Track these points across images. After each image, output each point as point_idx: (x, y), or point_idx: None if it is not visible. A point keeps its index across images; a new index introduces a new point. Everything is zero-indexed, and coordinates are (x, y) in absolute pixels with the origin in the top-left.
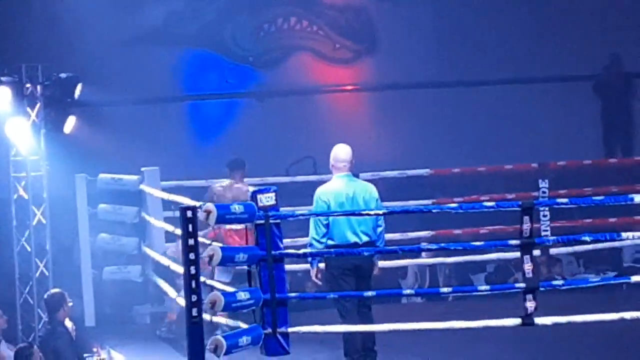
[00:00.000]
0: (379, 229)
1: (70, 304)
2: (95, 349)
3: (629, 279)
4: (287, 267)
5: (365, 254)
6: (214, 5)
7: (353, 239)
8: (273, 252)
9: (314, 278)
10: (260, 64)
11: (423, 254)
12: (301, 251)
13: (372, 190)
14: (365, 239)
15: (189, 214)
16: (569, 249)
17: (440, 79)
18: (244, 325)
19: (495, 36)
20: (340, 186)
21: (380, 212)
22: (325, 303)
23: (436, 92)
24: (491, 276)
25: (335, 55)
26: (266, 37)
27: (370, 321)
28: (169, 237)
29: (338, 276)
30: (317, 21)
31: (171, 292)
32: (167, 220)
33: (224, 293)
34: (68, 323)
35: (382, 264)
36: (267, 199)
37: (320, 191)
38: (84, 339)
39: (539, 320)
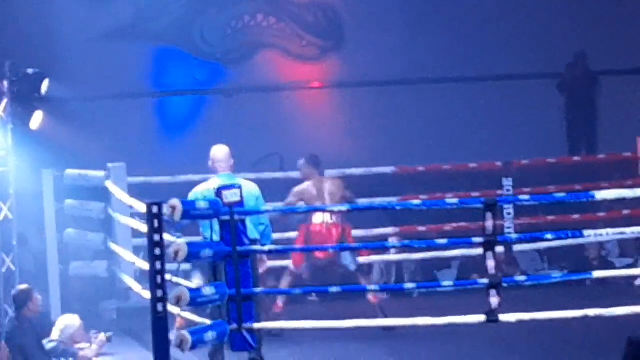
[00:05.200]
0: (261, 227)
1: (39, 297)
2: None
3: (591, 274)
4: None
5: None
6: (182, 2)
7: None
8: (238, 248)
9: None
10: (228, 60)
11: (391, 250)
12: (266, 247)
13: (252, 189)
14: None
15: (155, 209)
16: (533, 246)
17: (406, 76)
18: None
19: (461, 34)
20: (216, 184)
21: (344, 207)
22: (293, 299)
23: (403, 89)
24: (459, 272)
25: (303, 52)
26: (233, 33)
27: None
28: (136, 233)
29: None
30: (284, 18)
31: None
32: (133, 215)
33: (189, 289)
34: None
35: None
36: (232, 195)
37: (196, 189)
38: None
39: (503, 317)
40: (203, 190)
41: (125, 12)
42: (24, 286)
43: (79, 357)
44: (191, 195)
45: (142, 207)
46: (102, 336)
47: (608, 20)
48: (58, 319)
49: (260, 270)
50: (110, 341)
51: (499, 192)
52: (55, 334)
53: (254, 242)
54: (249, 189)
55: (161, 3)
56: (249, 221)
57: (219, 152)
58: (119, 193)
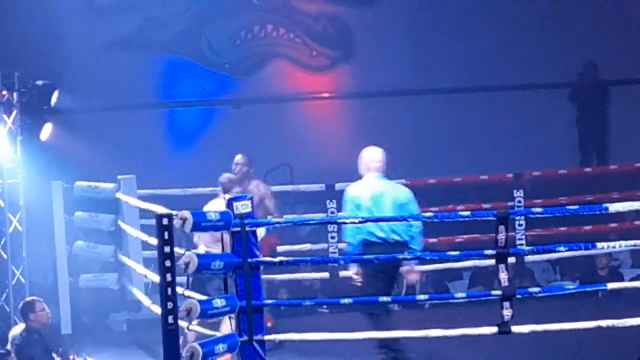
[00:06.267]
0: (412, 229)
1: (46, 309)
2: (71, 357)
3: (605, 286)
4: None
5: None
6: (190, 12)
7: (380, 234)
8: (249, 260)
9: (354, 276)
10: (237, 71)
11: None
12: (277, 259)
13: (400, 195)
14: (394, 237)
15: (165, 221)
16: (545, 257)
17: (416, 87)
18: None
19: (471, 44)
20: (370, 184)
21: (356, 220)
22: (300, 310)
23: (412, 99)
24: (473, 280)
25: (312, 62)
26: (243, 44)
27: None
28: (146, 245)
29: (372, 276)
30: (293, 28)
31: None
32: (143, 228)
33: (200, 300)
34: None
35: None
36: (243, 207)
37: (350, 189)
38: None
39: (516, 329)
40: (355, 194)
41: (133, 22)
42: (29, 298)
43: None
44: (347, 198)
45: (159, 209)
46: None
47: (618, 30)
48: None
49: (412, 279)
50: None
51: (510, 203)
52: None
53: (403, 244)
54: (397, 195)
55: (169, 13)
56: (398, 224)
57: (373, 152)
58: (133, 202)
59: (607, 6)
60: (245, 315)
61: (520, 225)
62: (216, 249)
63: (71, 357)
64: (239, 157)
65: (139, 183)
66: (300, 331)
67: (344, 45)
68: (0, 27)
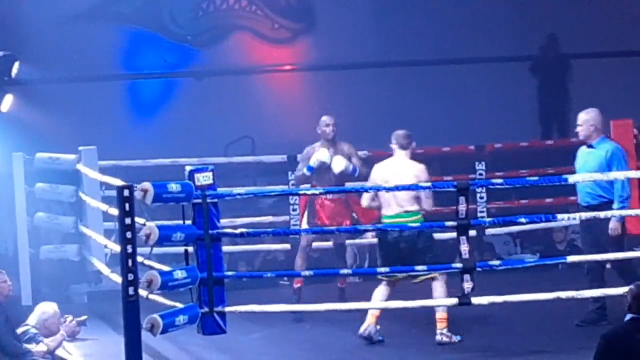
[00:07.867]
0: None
1: (7, 281)
2: (68, 317)
3: (565, 259)
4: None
5: None
6: None
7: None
8: (210, 231)
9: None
10: (199, 43)
11: (368, 234)
12: (238, 230)
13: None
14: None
15: (126, 192)
16: (505, 229)
17: (378, 59)
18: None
19: (433, 16)
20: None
21: (317, 190)
22: (260, 282)
23: (374, 72)
24: None
25: (274, 34)
26: (205, 16)
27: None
28: (107, 216)
29: None
30: (255, 0)
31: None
32: (104, 199)
33: (161, 272)
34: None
35: (323, 244)
36: (204, 178)
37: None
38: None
39: (476, 300)
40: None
41: None
42: None
43: (36, 352)
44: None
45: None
46: (72, 322)
47: (579, 3)
48: (37, 305)
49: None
50: (85, 324)
51: (472, 176)
52: (31, 319)
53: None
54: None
55: None
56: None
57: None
58: (93, 173)
59: None
60: (206, 286)
61: (481, 198)
62: (414, 207)
63: (68, 318)
64: (328, 118)
65: (101, 154)
66: (262, 303)
67: (305, 17)
68: None
